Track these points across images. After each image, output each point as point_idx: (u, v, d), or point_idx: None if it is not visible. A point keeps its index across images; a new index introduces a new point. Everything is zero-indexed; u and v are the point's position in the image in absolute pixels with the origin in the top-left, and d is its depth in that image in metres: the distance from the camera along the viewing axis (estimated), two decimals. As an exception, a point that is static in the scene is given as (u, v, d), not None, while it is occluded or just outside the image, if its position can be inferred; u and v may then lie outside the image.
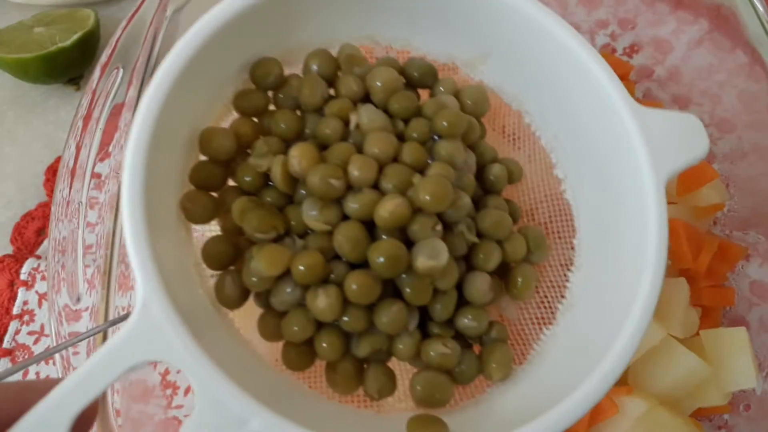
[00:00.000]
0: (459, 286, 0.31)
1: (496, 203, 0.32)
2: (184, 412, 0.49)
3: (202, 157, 0.31)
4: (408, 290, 0.29)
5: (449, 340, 0.30)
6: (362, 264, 0.29)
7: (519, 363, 0.32)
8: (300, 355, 0.29)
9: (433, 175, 0.29)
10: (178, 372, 0.50)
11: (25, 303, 0.53)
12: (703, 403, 0.45)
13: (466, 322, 0.31)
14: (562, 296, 0.33)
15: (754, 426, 0.45)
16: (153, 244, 0.26)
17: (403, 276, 0.29)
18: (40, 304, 0.54)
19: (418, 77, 0.33)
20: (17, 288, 0.54)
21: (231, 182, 0.31)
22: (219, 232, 0.31)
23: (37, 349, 0.53)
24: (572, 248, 0.33)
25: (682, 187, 0.49)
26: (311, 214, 0.29)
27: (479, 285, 0.31)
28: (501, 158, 0.34)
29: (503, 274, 0.33)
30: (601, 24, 0.58)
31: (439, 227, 0.29)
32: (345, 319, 0.29)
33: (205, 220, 0.30)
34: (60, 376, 0.38)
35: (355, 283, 0.28)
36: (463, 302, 0.31)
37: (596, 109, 0.30)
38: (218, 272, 0.30)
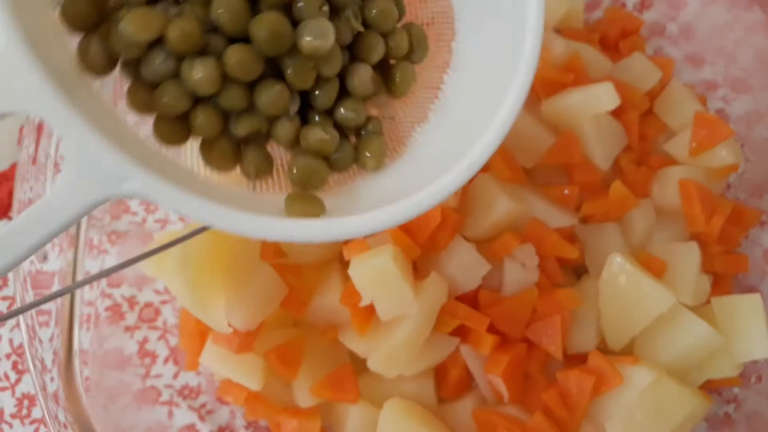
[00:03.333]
0: (341, 78, 0.31)
1: (383, -5, 0.32)
2: (164, 382, 0.49)
3: None
4: (290, 71, 0.28)
5: (329, 127, 0.30)
6: (242, 39, 0.27)
7: (392, 158, 0.33)
8: (173, 127, 0.28)
9: (323, -50, 0.28)
10: (159, 339, 0.49)
11: (-3, 266, 0.47)
12: (714, 374, 0.42)
13: (346, 113, 0.31)
14: (436, 97, 0.34)
15: (765, 400, 0.43)
16: None
17: (286, 57, 0.28)
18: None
19: None
20: (-13, 250, 0.47)
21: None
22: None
23: (11, 315, 0.49)
24: (449, 51, 0.34)
25: (696, 146, 0.45)
26: (188, -23, 0.26)
27: (362, 75, 0.31)
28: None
29: (383, 71, 0.33)
30: (609, -23, 0.52)
31: (326, 8, 0.28)
32: (224, 95, 0.28)
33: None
34: (25, 341, 0.40)
35: (235, 57, 0.27)
36: (343, 94, 0.31)
37: None
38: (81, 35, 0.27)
